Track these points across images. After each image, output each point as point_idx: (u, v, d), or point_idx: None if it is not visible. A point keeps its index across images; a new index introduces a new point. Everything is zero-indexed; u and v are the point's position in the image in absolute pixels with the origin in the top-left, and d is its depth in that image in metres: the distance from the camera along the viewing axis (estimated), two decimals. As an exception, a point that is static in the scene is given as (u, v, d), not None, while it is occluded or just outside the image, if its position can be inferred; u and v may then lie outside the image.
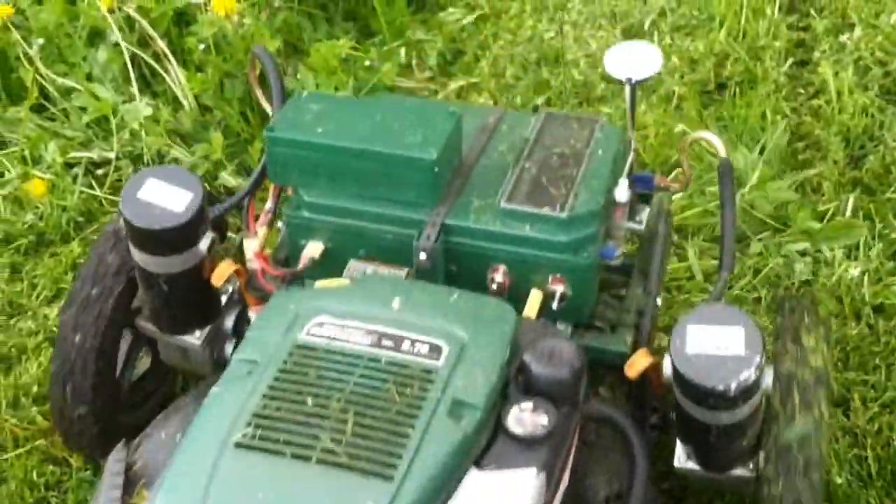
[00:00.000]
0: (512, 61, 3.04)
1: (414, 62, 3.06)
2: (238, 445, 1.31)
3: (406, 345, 1.42)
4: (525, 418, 1.38)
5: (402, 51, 3.05)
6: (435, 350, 1.42)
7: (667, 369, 1.51)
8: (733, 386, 1.45)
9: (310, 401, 1.35)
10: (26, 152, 2.68)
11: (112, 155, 2.69)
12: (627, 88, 1.71)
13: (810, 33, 3.07)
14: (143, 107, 2.72)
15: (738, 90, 2.85)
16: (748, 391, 1.48)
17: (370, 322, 1.45)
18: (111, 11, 2.79)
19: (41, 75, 2.79)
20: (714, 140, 1.82)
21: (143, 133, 2.71)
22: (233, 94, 2.76)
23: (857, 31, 2.99)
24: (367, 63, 2.89)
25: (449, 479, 1.31)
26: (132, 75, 2.78)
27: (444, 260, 1.66)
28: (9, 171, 2.66)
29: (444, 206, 1.67)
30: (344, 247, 1.70)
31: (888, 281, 2.36)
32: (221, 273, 1.67)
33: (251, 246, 1.77)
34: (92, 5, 2.81)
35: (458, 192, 1.70)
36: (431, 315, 1.47)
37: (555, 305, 1.64)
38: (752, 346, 1.46)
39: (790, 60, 2.96)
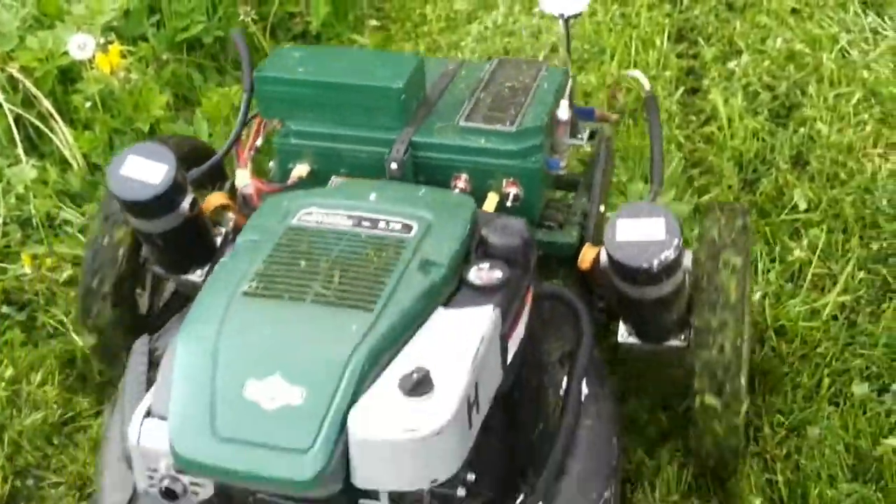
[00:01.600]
0: (407, 102, 3.03)
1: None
2: (245, 294, 1.57)
3: (382, 224, 1.68)
4: (483, 274, 1.64)
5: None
6: (406, 227, 1.68)
7: (603, 258, 1.81)
8: (656, 264, 1.73)
9: (303, 263, 1.61)
10: None
11: (-1, 220, 2.62)
12: (562, 23, 2.05)
13: (699, 61, 3.13)
14: (28, 169, 2.65)
15: (631, 120, 2.88)
16: (669, 269, 1.75)
17: (351, 210, 1.71)
18: (-7, 72, 2.73)
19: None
20: (640, 77, 2.17)
21: (30, 196, 2.63)
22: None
23: (745, 58, 3.05)
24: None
25: (419, 314, 1.56)
26: (17, 137, 2.71)
27: (412, 173, 1.93)
28: None
29: (411, 127, 1.94)
30: (326, 167, 1.97)
31: (787, 303, 2.39)
32: (211, 202, 2.02)
33: (243, 175, 2.01)
34: (-28, 67, 2.74)
35: (422, 117, 1.97)
36: (403, 203, 1.73)
37: (508, 204, 1.92)
38: (671, 232, 1.74)
39: (681, 89, 3.00)
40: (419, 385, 1.44)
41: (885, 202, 2.59)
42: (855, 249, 2.49)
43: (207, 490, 1.54)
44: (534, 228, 1.92)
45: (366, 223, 1.68)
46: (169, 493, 1.53)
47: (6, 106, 2.71)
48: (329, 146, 1.97)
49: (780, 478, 2.07)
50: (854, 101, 2.87)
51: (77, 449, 2.23)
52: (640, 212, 1.77)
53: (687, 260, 1.82)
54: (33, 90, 2.75)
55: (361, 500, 1.52)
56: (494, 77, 2.07)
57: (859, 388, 2.21)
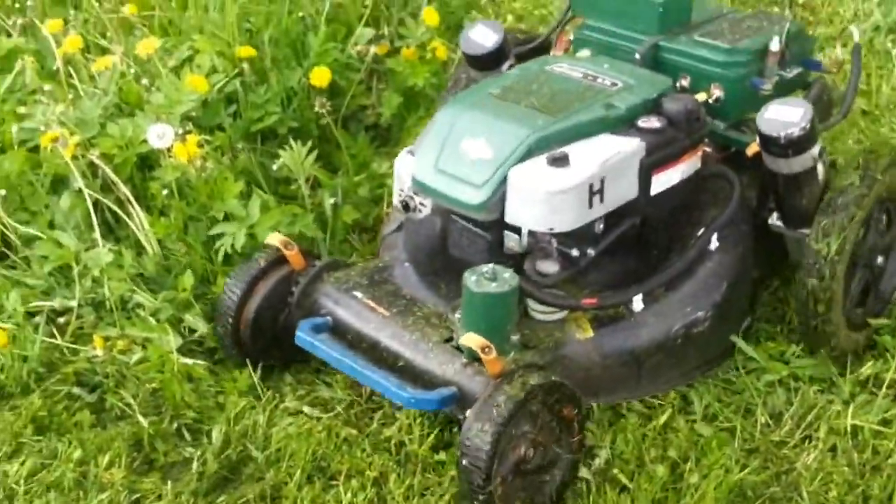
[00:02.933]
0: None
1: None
2: (489, 94, 2.42)
3: (599, 80, 2.45)
4: (648, 122, 2.35)
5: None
6: (614, 84, 2.43)
7: (758, 140, 2.39)
8: (783, 135, 2.32)
9: (534, 86, 2.43)
10: (-13, 302, 2.65)
11: (74, 303, 2.66)
12: None
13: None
14: (104, 253, 2.71)
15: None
16: (796, 145, 2.33)
17: (586, 69, 2.49)
18: (74, 158, 2.79)
19: (3, 224, 2.78)
20: (854, 30, 2.71)
21: (105, 279, 2.68)
22: (196, 238, 2.76)
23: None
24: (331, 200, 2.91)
25: (587, 130, 2.32)
26: (95, 221, 2.77)
27: (651, 68, 2.55)
28: (-31, 321, 2.62)
29: (663, 35, 2.59)
30: (600, 54, 2.65)
31: (860, 412, 2.35)
32: None
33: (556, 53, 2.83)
34: (55, 153, 2.81)
35: (677, 33, 2.61)
36: (621, 72, 2.48)
37: (710, 101, 2.51)
38: (804, 118, 2.32)
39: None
40: (558, 160, 2.21)
41: (959, 308, 2.56)
42: (928, 356, 2.45)
43: (427, 210, 2.39)
44: (729, 128, 2.55)
45: (589, 77, 2.45)
46: (405, 206, 2.41)
47: (86, 191, 2.79)
48: (603, 38, 2.66)
49: None
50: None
51: (141, 531, 2.25)
52: (790, 102, 2.38)
53: (815, 149, 2.36)
54: (112, 176, 2.81)
55: (507, 232, 2.30)
56: (744, 19, 2.68)
57: (933, 502, 2.16)
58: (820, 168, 2.40)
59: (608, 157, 2.25)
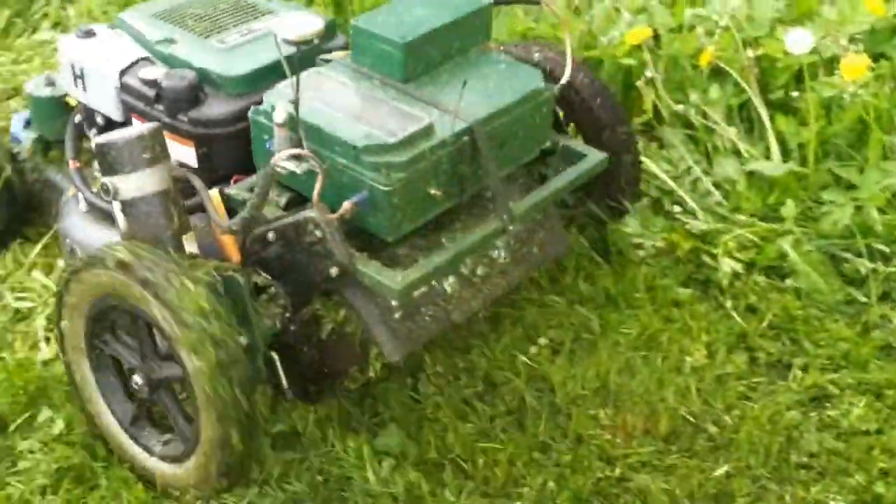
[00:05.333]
0: None
1: None
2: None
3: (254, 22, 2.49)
4: (147, 70, 2.32)
5: None
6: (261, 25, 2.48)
7: None
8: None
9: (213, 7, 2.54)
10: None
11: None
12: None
13: None
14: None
15: None
16: None
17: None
18: (735, 51, 2.94)
19: (659, 97, 3.01)
20: None
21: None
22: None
23: None
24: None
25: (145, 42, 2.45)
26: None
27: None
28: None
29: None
30: None
31: None
32: None
33: None
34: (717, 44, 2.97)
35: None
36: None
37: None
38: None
39: None
40: (85, 32, 2.48)
41: None
42: None
43: None
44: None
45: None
46: None
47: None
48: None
49: None
50: None
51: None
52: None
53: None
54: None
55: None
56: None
57: None
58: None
59: (88, 56, 2.40)
